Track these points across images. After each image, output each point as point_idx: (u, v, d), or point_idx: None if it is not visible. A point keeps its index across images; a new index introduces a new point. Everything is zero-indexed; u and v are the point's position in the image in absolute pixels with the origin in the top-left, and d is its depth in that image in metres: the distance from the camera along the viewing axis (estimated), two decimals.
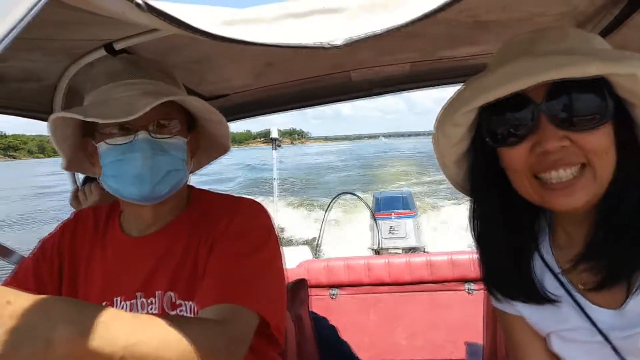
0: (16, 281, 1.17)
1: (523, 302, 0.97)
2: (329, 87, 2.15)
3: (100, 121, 1.01)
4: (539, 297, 0.94)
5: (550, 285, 0.94)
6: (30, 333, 0.61)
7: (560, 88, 0.79)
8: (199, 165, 1.32)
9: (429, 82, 2.17)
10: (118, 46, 1.38)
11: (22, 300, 0.63)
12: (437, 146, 0.96)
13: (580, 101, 0.79)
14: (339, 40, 0.55)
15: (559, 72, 0.76)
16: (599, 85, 0.79)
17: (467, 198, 1.03)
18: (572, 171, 0.81)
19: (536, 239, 0.98)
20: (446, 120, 0.90)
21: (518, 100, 0.82)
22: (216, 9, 0.62)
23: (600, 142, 0.80)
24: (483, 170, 0.95)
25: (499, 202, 0.95)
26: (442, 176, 1.05)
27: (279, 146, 6.52)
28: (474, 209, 1.00)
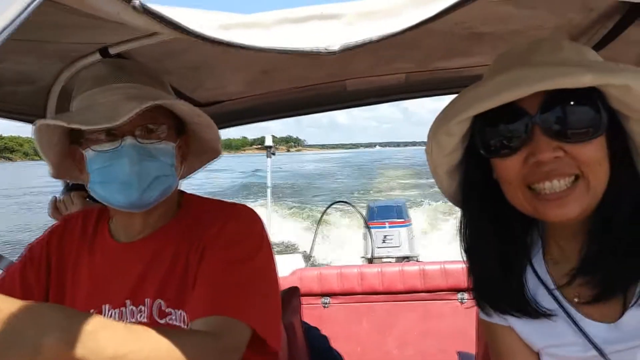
0: (2, 287, 1.15)
1: (514, 316, 0.96)
2: (324, 96, 2.15)
3: (83, 128, 1.00)
4: (532, 311, 0.93)
5: (544, 299, 0.93)
6: (18, 339, 0.60)
7: (554, 99, 0.79)
8: (190, 170, 1.31)
9: (424, 93, 2.18)
10: (113, 51, 1.37)
11: (11, 306, 0.62)
12: (430, 155, 0.96)
13: (574, 113, 0.79)
14: (335, 46, 0.55)
15: (552, 83, 0.76)
16: (593, 97, 0.80)
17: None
18: (566, 182, 0.81)
19: (529, 253, 0.98)
20: (440, 130, 0.90)
21: (512, 111, 0.82)
22: (213, 13, 0.62)
23: (593, 153, 0.80)
24: (475, 181, 0.95)
25: (490, 214, 0.95)
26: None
27: (273, 154, 6.52)
28: (464, 221, 1.00)
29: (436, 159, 0.95)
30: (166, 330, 0.90)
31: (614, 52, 1.34)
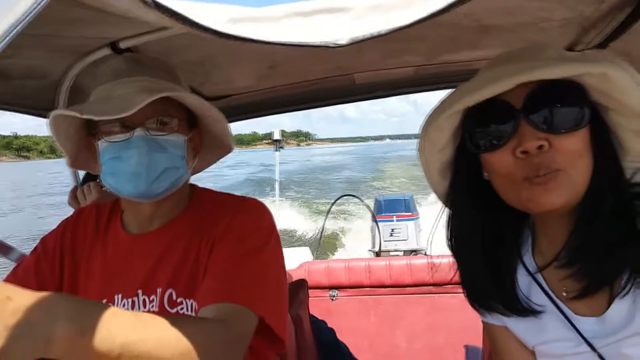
0: (16, 278, 1.16)
1: (504, 314, 0.98)
2: (332, 89, 2.15)
3: (95, 118, 1.01)
4: (523, 309, 0.95)
5: (535, 295, 0.95)
6: (31, 329, 0.61)
7: (538, 93, 0.83)
8: (204, 164, 1.32)
9: (432, 86, 2.17)
10: (123, 45, 1.38)
11: (23, 296, 0.63)
12: (422, 153, 0.98)
13: (557, 105, 0.83)
14: (343, 40, 0.55)
15: (531, 74, 0.80)
16: (575, 90, 0.83)
17: None
18: (550, 174, 0.83)
19: (520, 251, 0.99)
20: (430, 126, 0.93)
21: (498, 106, 0.85)
22: (223, 7, 0.62)
23: (576, 145, 0.83)
24: (466, 180, 0.97)
25: (480, 214, 0.97)
26: None
27: (282, 147, 6.53)
28: (451, 223, 1.02)
29: (428, 156, 0.98)
30: (175, 318, 0.90)
31: (628, 45, 1.33)
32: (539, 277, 0.95)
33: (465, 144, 0.92)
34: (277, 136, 6.48)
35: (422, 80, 2.08)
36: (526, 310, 0.94)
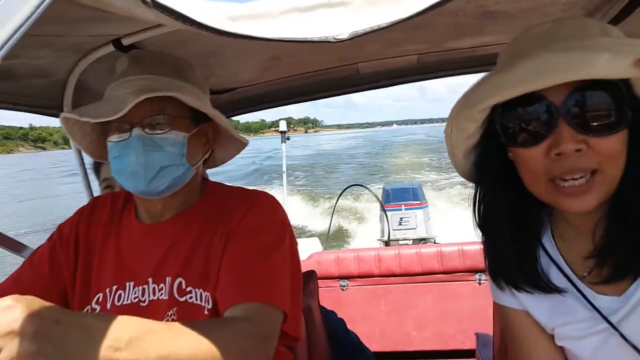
0: (31, 266, 1.19)
1: (528, 291, 0.96)
2: (336, 80, 2.15)
3: (92, 120, 1.03)
4: (544, 286, 0.93)
5: (555, 277, 0.94)
6: (74, 353, 0.64)
7: (580, 90, 0.77)
8: (227, 156, 1.32)
9: (437, 74, 2.16)
10: (126, 42, 1.38)
11: (69, 319, 0.67)
12: (449, 137, 0.95)
13: (600, 105, 0.78)
14: (344, 34, 0.55)
15: (583, 73, 0.74)
16: (620, 88, 0.77)
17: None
18: (585, 177, 0.80)
19: (539, 231, 0.98)
20: (461, 115, 0.89)
21: (536, 101, 0.79)
22: (221, 4, 0.62)
23: (615, 146, 0.79)
24: (491, 162, 0.94)
25: (503, 192, 0.94)
26: None
27: (288, 138, 6.53)
28: (478, 197, 0.99)
29: (455, 142, 0.95)
30: (205, 323, 0.95)
31: (632, 27, 1.31)
32: (559, 259, 0.94)
33: (496, 135, 0.88)
34: (283, 127, 6.46)
35: (426, 67, 2.07)
36: (547, 287, 0.92)
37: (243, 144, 1.30)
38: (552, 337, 0.98)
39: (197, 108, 1.13)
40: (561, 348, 0.97)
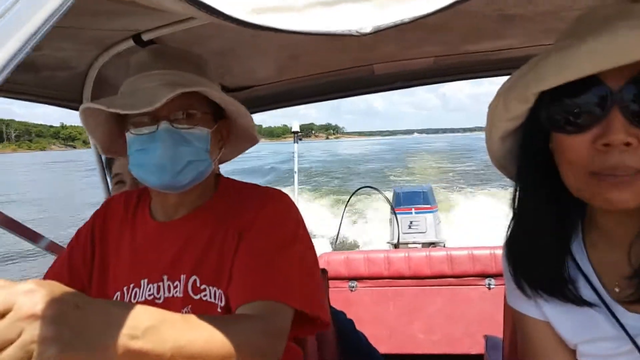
0: (53, 271, 1.22)
1: (551, 300, 0.89)
2: (352, 80, 2.16)
3: (121, 112, 1.04)
4: (571, 296, 0.86)
5: (582, 288, 0.86)
6: (92, 339, 0.65)
7: None
8: (232, 154, 1.34)
9: (453, 77, 2.16)
10: (146, 37, 1.41)
11: (89, 304, 0.67)
12: (492, 114, 0.86)
13: None
14: (367, 28, 0.56)
15: None
16: None
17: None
18: (630, 175, 0.72)
19: (569, 237, 0.90)
20: (513, 93, 0.80)
21: (591, 83, 0.71)
22: None
23: None
24: (532, 151, 0.86)
25: (542, 187, 0.87)
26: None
27: (300, 139, 6.56)
28: (517, 187, 0.91)
29: (497, 121, 0.85)
30: (219, 318, 0.96)
31: None
32: (589, 269, 0.86)
33: (540, 121, 0.80)
34: (295, 128, 6.50)
35: (442, 70, 2.07)
36: (575, 298, 0.85)
37: (252, 143, 1.31)
38: (573, 352, 0.91)
39: (225, 105, 1.15)
40: None
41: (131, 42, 1.44)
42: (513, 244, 0.93)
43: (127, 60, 1.48)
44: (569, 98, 0.74)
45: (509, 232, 0.94)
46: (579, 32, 0.74)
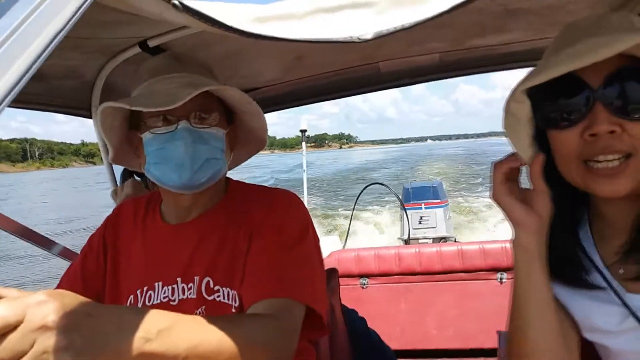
0: (68, 277, 1.25)
1: (566, 283, 0.95)
2: (358, 79, 2.15)
3: (144, 109, 1.06)
4: (584, 282, 0.93)
5: (591, 273, 0.93)
6: (105, 345, 0.66)
7: (618, 74, 0.79)
8: (238, 161, 1.35)
9: (459, 72, 2.15)
10: (152, 43, 1.42)
11: (100, 312, 0.68)
12: (509, 130, 0.92)
13: (636, 90, 0.79)
14: (368, 35, 0.56)
15: (624, 44, 0.73)
16: None
17: None
18: (619, 160, 0.81)
19: (576, 228, 0.98)
20: (511, 100, 0.89)
21: (573, 83, 0.81)
22: (247, 6, 0.64)
23: None
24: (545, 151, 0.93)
25: (552, 185, 0.93)
26: None
27: (308, 137, 6.57)
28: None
29: (514, 131, 0.92)
30: (231, 317, 0.98)
31: None
32: (595, 255, 0.94)
33: (535, 117, 0.89)
34: (304, 126, 6.50)
35: (448, 66, 2.06)
36: (587, 283, 0.93)
37: (259, 146, 1.33)
38: (580, 338, 0.97)
39: (242, 105, 1.17)
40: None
41: (137, 49, 1.45)
42: None
43: (135, 67, 1.49)
44: (557, 98, 0.84)
45: None
46: (563, 42, 0.86)
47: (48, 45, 0.49)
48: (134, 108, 1.07)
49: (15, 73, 0.45)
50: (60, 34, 0.50)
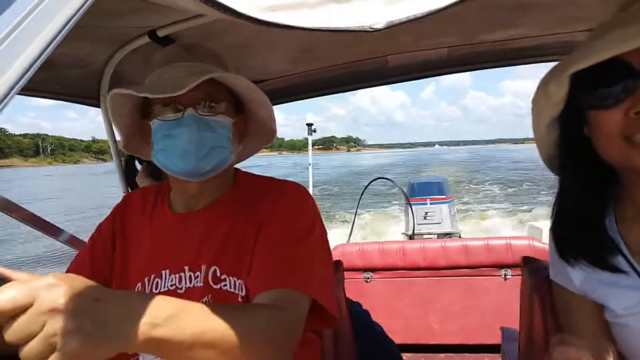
0: (75, 263, 1.26)
1: (594, 266, 0.99)
2: (366, 72, 2.15)
3: (150, 96, 1.07)
4: (610, 265, 0.96)
5: (615, 257, 0.96)
6: (113, 329, 0.67)
7: None
8: (248, 152, 1.36)
9: (467, 67, 2.14)
10: (161, 33, 1.42)
11: (109, 297, 0.69)
12: (536, 105, 0.99)
13: None
14: (380, 24, 0.56)
15: None
16: None
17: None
18: None
19: (604, 215, 1.01)
20: (552, 80, 0.93)
21: (618, 66, 0.85)
22: None
23: None
24: (570, 134, 0.99)
25: (582, 173, 1.00)
26: None
27: (314, 131, 6.55)
28: (560, 171, 1.04)
29: (541, 110, 0.99)
30: (238, 306, 0.98)
31: None
32: (618, 238, 0.97)
33: (577, 100, 0.93)
34: (309, 120, 6.49)
35: (456, 61, 2.05)
36: (612, 266, 0.96)
37: (269, 138, 1.33)
38: (605, 322, 1.00)
39: (249, 94, 1.17)
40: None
41: (146, 39, 1.46)
42: (558, 222, 1.06)
43: (143, 57, 1.50)
44: (601, 79, 0.88)
45: (554, 212, 1.07)
46: (603, 29, 0.90)
47: (58, 34, 0.49)
48: (141, 94, 1.07)
49: (25, 61, 0.45)
50: (71, 22, 0.50)
